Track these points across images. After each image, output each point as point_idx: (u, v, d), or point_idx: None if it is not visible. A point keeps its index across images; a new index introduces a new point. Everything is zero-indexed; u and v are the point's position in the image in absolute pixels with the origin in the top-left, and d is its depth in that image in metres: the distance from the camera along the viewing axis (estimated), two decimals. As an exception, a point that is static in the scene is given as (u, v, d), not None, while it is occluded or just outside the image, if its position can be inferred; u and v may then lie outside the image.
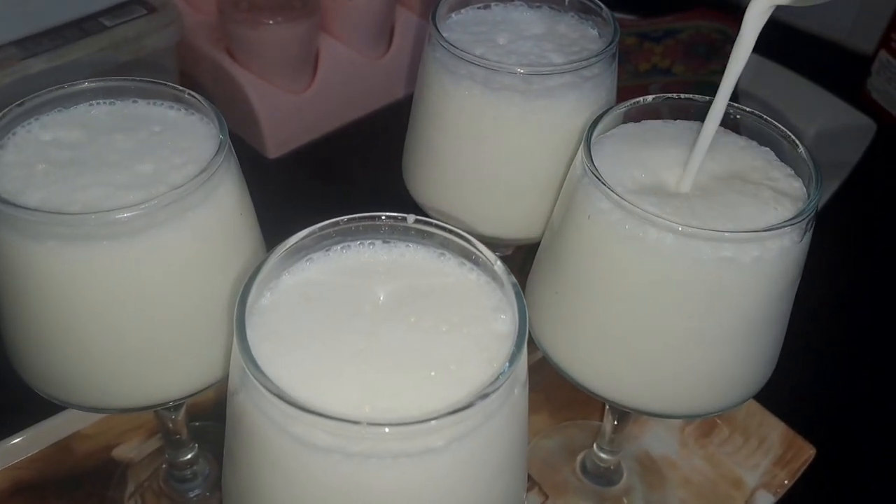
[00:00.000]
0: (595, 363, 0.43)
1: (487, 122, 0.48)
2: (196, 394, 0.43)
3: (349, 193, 0.82)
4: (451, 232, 0.36)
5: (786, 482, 0.58)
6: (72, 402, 0.43)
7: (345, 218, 0.36)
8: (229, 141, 0.41)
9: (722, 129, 0.44)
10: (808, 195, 0.40)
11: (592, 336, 0.42)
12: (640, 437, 0.61)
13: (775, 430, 0.60)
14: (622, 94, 0.49)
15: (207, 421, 0.59)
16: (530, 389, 0.64)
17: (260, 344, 0.32)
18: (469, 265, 0.36)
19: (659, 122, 0.44)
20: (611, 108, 0.43)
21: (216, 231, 0.40)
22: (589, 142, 0.41)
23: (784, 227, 0.37)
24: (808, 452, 0.59)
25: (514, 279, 0.34)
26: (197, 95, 0.43)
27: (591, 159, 0.40)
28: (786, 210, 0.39)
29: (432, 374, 0.32)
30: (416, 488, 0.31)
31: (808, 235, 0.39)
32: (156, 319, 0.39)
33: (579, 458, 0.59)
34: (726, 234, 0.36)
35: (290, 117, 0.85)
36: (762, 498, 0.58)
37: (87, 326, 0.39)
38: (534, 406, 0.63)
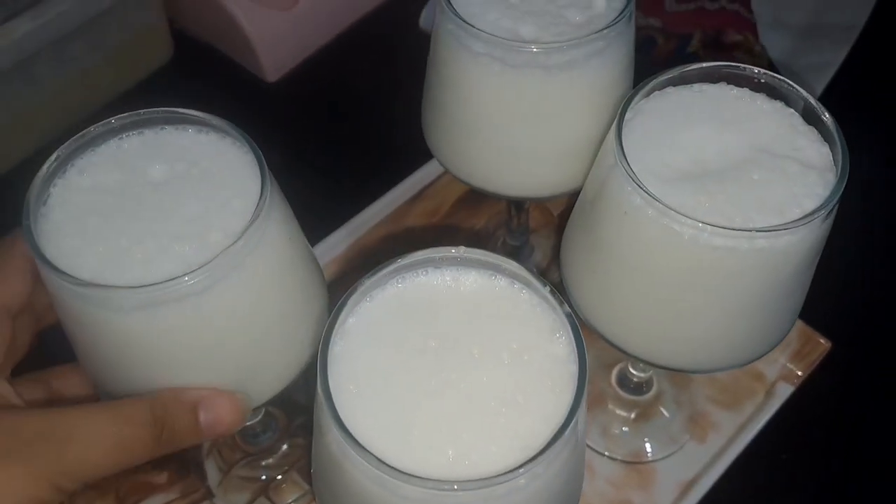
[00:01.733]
0: (630, 332, 0.46)
1: (508, 96, 0.48)
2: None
3: (355, 112, 0.82)
4: (500, 259, 0.38)
5: (800, 373, 0.64)
6: None
7: (400, 259, 0.38)
8: (268, 169, 0.41)
9: (747, 91, 0.44)
10: (836, 167, 0.41)
11: (628, 310, 0.45)
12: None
13: (793, 326, 0.64)
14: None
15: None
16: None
17: (338, 395, 0.34)
18: (519, 284, 0.38)
19: (687, 90, 0.44)
20: (639, 88, 0.43)
21: (274, 265, 0.41)
22: (620, 132, 0.41)
23: (813, 217, 0.38)
24: (824, 346, 0.64)
25: (567, 308, 0.36)
26: (224, 122, 0.43)
27: (624, 154, 0.41)
28: (813, 185, 0.41)
29: (503, 409, 0.35)
30: None
31: (834, 213, 0.40)
32: (223, 357, 0.41)
33: (614, 372, 0.64)
34: (761, 232, 0.38)
35: (283, 35, 0.83)
36: (782, 388, 0.63)
37: (161, 374, 0.41)
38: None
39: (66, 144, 0.42)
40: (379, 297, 0.38)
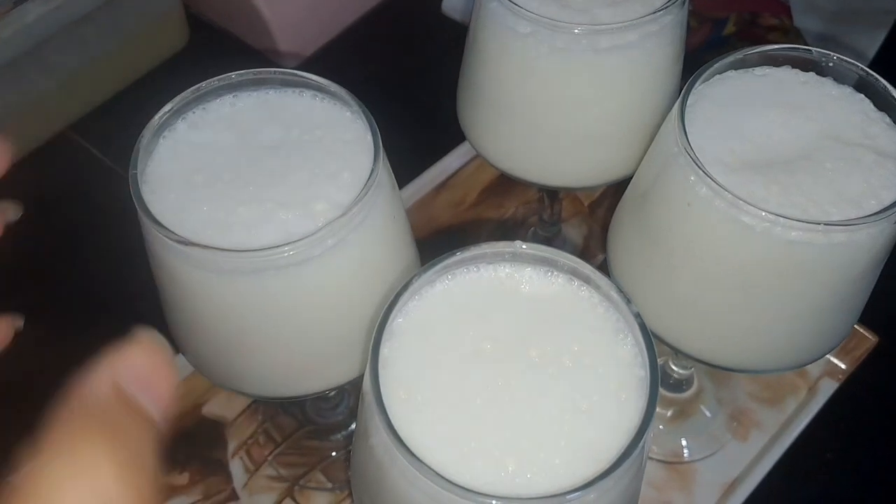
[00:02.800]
0: (685, 329, 0.44)
1: (555, 80, 0.45)
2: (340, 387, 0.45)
3: (375, 99, 0.79)
4: (560, 255, 0.35)
5: (844, 368, 0.61)
6: (233, 389, 0.45)
7: (451, 254, 0.35)
8: (381, 144, 0.39)
9: (813, 75, 0.42)
10: (913, 156, 0.39)
11: (682, 306, 0.43)
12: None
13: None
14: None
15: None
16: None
17: (391, 403, 0.32)
18: (578, 282, 0.36)
19: (749, 74, 0.42)
20: (701, 73, 0.41)
21: (377, 242, 0.40)
22: (683, 117, 0.39)
23: (890, 213, 0.36)
24: (871, 341, 0.61)
25: (634, 308, 0.34)
26: (344, 90, 0.41)
27: (688, 140, 0.38)
28: (890, 175, 0.38)
29: (566, 417, 0.32)
30: None
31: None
32: (319, 331, 0.40)
33: (653, 368, 0.61)
34: (840, 226, 0.36)
35: (301, 20, 0.80)
36: (826, 385, 0.61)
37: (252, 340, 0.40)
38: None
39: (179, 97, 0.41)
40: (428, 296, 0.35)
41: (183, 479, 0.58)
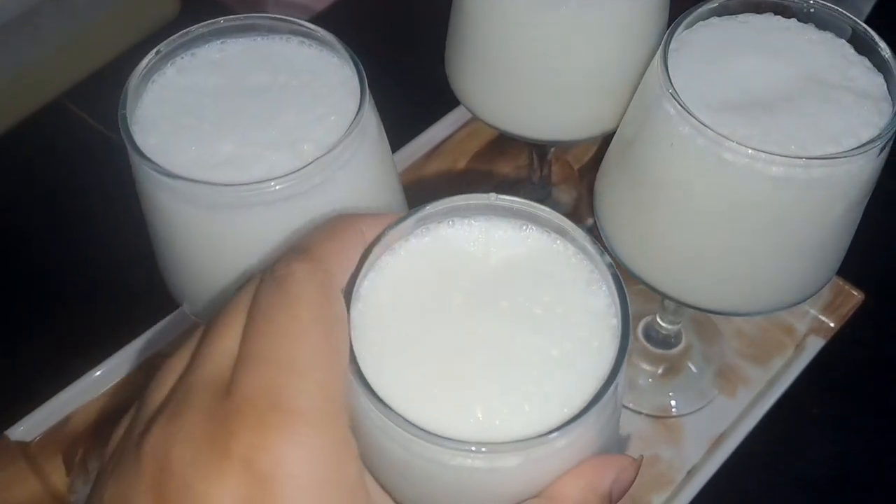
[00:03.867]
0: (671, 272, 0.44)
1: (540, 31, 0.46)
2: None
3: (366, 66, 0.80)
4: (533, 206, 0.35)
5: (832, 325, 0.62)
6: None
7: (423, 207, 0.35)
8: (368, 89, 0.40)
9: (795, 22, 0.43)
10: (891, 97, 0.39)
11: (668, 249, 0.43)
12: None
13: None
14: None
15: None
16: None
17: (361, 354, 0.32)
18: (554, 235, 0.35)
19: (732, 20, 0.43)
20: (684, 18, 0.41)
21: (364, 182, 0.40)
22: (665, 60, 0.39)
23: (873, 146, 0.37)
24: (857, 298, 0.62)
25: (608, 258, 0.33)
26: (331, 36, 0.42)
27: (671, 82, 0.39)
28: (869, 115, 0.39)
29: (537, 365, 0.32)
30: (537, 473, 0.32)
31: (889, 147, 0.39)
32: None
33: (641, 325, 0.62)
34: (819, 160, 0.36)
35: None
36: (813, 342, 0.62)
37: (241, 275, 0.40)
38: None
39: (167, 41, 0.41)
40: (402, 251, 0.35)
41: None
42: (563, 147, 0.70)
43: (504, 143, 0.72)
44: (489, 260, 0.35)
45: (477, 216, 0.35)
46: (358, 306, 0.33)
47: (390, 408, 0.29)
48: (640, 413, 0.60)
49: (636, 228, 0.44)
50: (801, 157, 0.36)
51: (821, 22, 0.42)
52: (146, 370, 0.61)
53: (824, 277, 0.44)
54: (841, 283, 0.63)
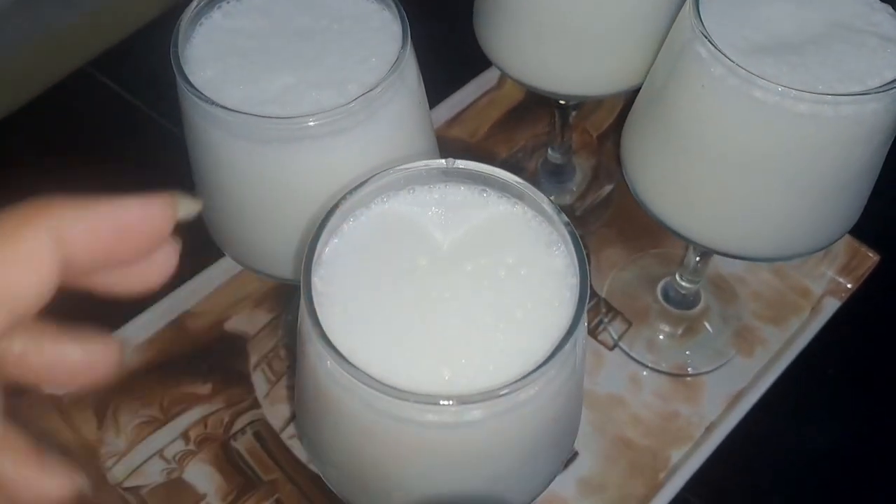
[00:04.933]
0: (698, 217, 0.45)
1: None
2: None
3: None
4: (493, 170, 0.36)
5: (850, 286, 0.63)
6: (260, 271, 0.47)
7: (384, 173, 0.35)
8: (409, 30, 0.41)
9: (819, -29, 0.44)
10: (917, 39, 0.41)
11: (697, 193, 0.44)
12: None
13: (840, 240, 0.64)
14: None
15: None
16: (602, 225, 0.67)
17: (324, 317, 0.32)
18: (513, 199, 0.36)
19: (762, -31, 0.44)
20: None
21: (404, 121, 0.42)
22: (698, 6, 0.41)
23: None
24: (872, 259, 0.63)
25: (565, 218, 0.34)
26: None
27: (702, 21, 0.40)
28: (893, 57, 0.40)
29: (500, 325, 0.33)
30: (501, 428, 0.32)
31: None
32: None
33: (660, 285, 0.63)
34: (847, 97, 0.38)
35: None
36: (829, 303, 0.63)
37: (282, 213, 0.42)
38: (607, 240, 0.67)
39: None
40: (363, 217, 0.36)
41: (206, 389, 0.60)
42: (588, 107, 0.71)
43: (524, 110, 0.74)
44: (451, 224, 0.36)
45: (436, 182, 0.36)
46: (320, 272, 0.34)
47: (358, 368, 0.30)
48: (659, 371, 0.61)
49: (666, 174, 0.46)
50: (830, 94, 0.38)
51: (845, -29, 0.44)
52: (177, 327, 0.63)
53: (847, 222, 0.45)
54: (857, 244, 0.64)
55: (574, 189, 0.70)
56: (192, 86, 0.39)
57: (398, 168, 0.36)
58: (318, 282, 0.34)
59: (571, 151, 0.68)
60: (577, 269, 0.33)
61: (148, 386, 0.60)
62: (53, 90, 0.76)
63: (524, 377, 0.30)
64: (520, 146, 0.72)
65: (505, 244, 0.35)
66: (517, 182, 0.35)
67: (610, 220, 0.68)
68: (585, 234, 0.67)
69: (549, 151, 0.67)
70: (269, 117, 0.38)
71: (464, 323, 0.33)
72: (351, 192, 0.35)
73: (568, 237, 0.34)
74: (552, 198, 0.66)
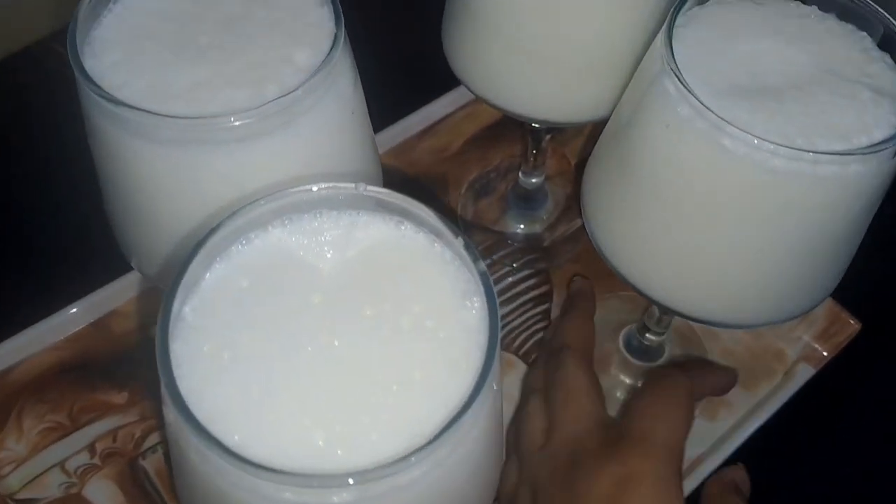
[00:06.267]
0: (658, 272, 0.41)
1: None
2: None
3: (364, 39, 0.76)
4: (410, 202, 0.31)
5: (826, 355, 0.58)
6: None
7: (290, 189, 0.31)
8: (345, 30, 0.37)
9: (816, 9, 0.39)
10: (913, 98, 0.36)
11: (657, 245, 0.40)
12: (682, 308, 0.61)
13: (820, 304, 0.59)
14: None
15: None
16: (570, 259, 0.62)
17: (189, 358, 0.28)
18: (432, 237, 0.31)
19: (749, 4, 0.39)
20: (695, -10, 0.38)
21: (330, 133, 0.37)
22: (670, 35, 0.36)
23: (887, 146, 0.33)
24: (853, 327, 0.59)
25: (482, 266, 0.29)
26: None
27: (674, 57, 0.35)
28: (886, 114, 0.35)
29: (394, 387, 0.28)
30: None
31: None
32: None
33: (623, 332, 0.59)
34: (827, 156, 0.33)
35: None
36: (803, 370, 0.58)
37: (184, 224, 0.37)
38: (573, 277, 0.62)
39: None
40: (257, 240, 0.31)
41: (121, 398, 0.56)
42: (560, 134, 0.67)
43: (501, 129, 0.69)
44: (356, 258, 0.31)
45: (348, 208, 0.32)
46: (193, 301, 0.29)
47: (204, 428, 0.25)
48: (612, 426, 0.56)
49: (624, 220, 0.41)
50: (809, 151, 0.33)
51: (843, 12, 0.39)
52: (98, 327, 0.58)
53: (821, 292, 0.41)
54: (837, 309, 0.59)
55: (544, 217, 0.65)
56: (83, 72, 0.34)
57: (304, 188, 0.31)
58: (189, 312, 0.29)
59: (544, 177, 0.64)
60: (488, 326, 0.28)
61: (60, 388, 0.56)
62: (13, 58, 0.72)
63: (404, 457, 0.25)
64: (493, 166, 0.68)
65: (414, 289, 0.30)
66: (436, 218, 0.31)
67: (579, 255, 0.63)
68: (551, 268, 0.63)
69: (521, 175, 0.63)
70: (166, 115, 0.33)
71: (352, 378, 0.28)
72: (245, 208, 0.30)
73: (483, 287, 0.29)
74: (521, 227, 0.64)
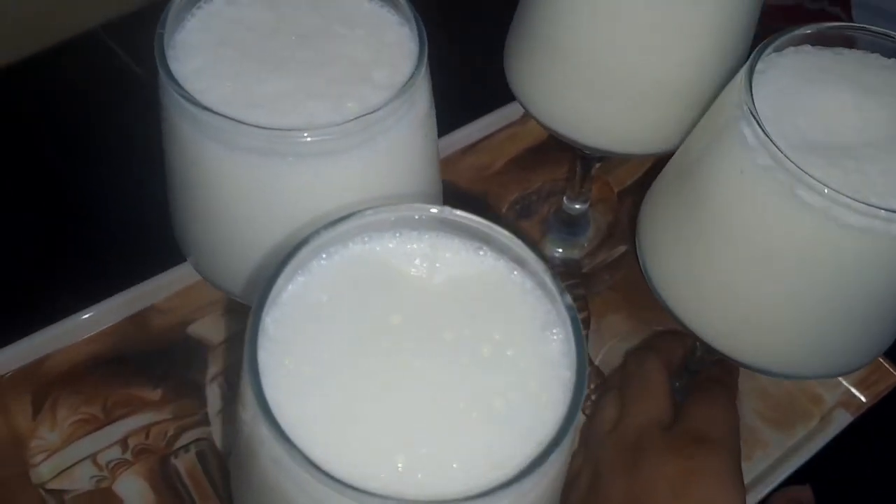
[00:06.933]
0: (715, 317, 0.40)
1: (620, 22, 0.42)
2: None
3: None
4: (493, 228, 0.31)
5: (865, 401, 0.58)
6: (223, 288, 0.43)
7: (373, 207, 0.31)
8: (426, 52, 0.37)
9: (891, 61, 0.39)
10: None
11: (717, 289, 0.39)
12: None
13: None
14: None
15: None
16: (609, 287, 0.62)
17: (271, 371, 0.27)
18: (511, 263, 0.31)
19: (826, 51, 0.39)
20: (774, 39, 0.38)
21: (406, 153, 0.37)
22: (751, 80, 0.36)
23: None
24: (893, 377, 0.58)
25: (568, 300, 0.29)
26: None
27: (754, 103, 0.35)
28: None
29: (474, 414, 0.28)
30: None
31: None
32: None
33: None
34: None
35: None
36: (840, 416, 0.58)
37: (256, 232, 0.38)
38: (612, 305, 0.62)
39: None
40: (337, 256, 0.31)
41: (155, 395, 0.56)
42: (614, 160, 0.67)
43: (545, 152, 0.69)
44: (436, 281, 0.31)
45: (428, 230, 0.32)
46: (275, 314, 0.29)
47: (291, 441, 0.25)
48: (644, 459, 0.55)
49: (680, 256, 0.41)
50: (883, 210, 0.33)
51: (921, 64, 0.39)
52: (136, 322, 0.58)
53: (875, 351, 0.40)
54: (880, 359, 0.58)
55: (585, 244, 0.65)
56: (169, 74, 0.34)
57: (387, 207, 0.31)
58: (270, 324, 0.29)
59: (588, 204, 0.63)
60: (575, 360, 0.28)
61: (94, 381, 0.56)
62: (61, 46, 0.73)
63: (492, 490, 0.25)
64: (534, 188, 0.67)
65: (494, 316, 0.30)
66: (519, 246, 0.30)
67: (618, 284, 0.63)
68: (589, 295, 0.62)
69: (565, 201, 0.63)
70: (246, 123, 0.33)
71: (432, 403, 0.28)
72: (329, 224, 0.30)
73: (569, 321, 0.29)
74: (560, 251, 0.64)
